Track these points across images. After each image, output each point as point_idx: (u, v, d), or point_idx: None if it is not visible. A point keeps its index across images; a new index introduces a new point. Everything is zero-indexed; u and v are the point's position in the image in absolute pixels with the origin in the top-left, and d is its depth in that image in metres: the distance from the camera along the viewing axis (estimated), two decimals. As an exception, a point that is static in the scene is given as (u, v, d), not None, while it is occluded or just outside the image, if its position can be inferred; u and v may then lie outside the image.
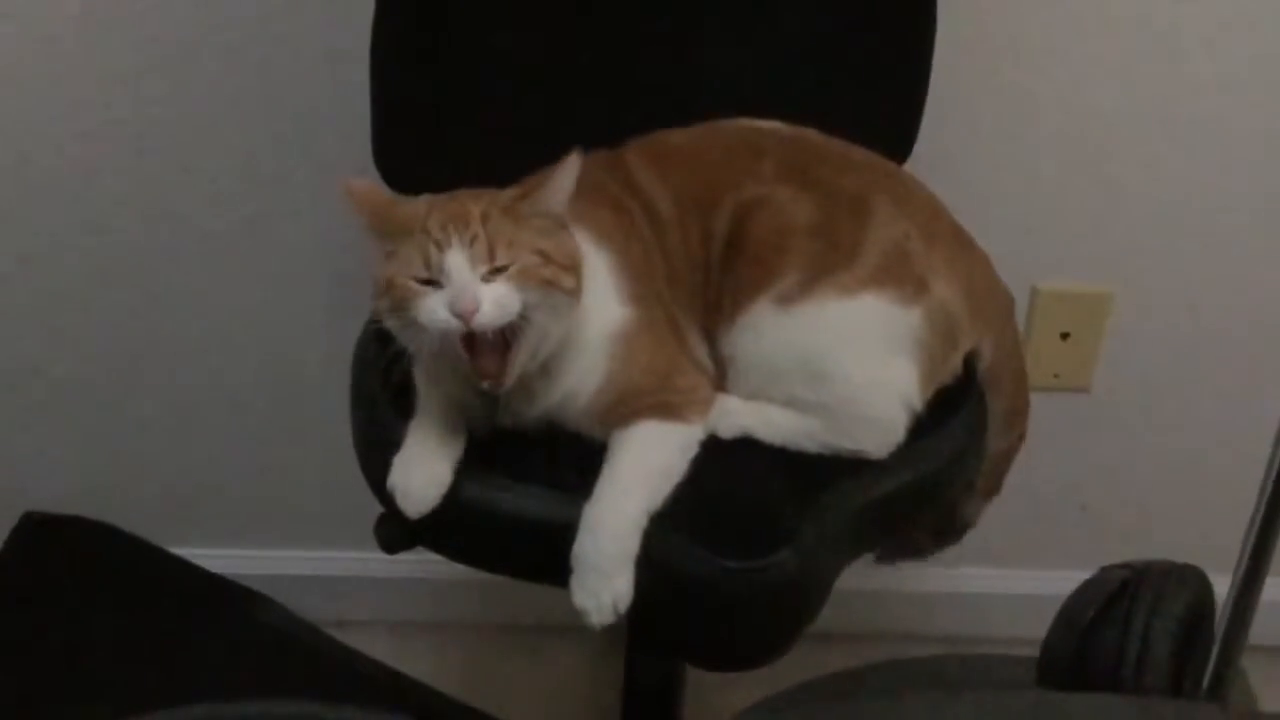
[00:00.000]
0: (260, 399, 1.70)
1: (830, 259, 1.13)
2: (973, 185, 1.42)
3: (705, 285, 1.16)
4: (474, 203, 1.03)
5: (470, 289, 0.99)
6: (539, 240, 1.03)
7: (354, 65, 1.30)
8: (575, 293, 1.05)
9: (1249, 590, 0.95)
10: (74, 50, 1.48)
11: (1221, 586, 1.13)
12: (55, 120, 1.52)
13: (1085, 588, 0.97)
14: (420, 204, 1.05)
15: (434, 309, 1.00)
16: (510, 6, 1.31)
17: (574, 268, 1.05)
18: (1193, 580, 0.97)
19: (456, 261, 0.99)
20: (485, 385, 1.03)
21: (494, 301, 0.99)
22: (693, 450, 1.10)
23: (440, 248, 1.00)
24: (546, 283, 1.02)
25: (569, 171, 1.04)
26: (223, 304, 1.64)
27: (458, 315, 0.99)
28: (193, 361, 1.68)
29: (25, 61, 1.49)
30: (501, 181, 1.11)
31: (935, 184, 1.24)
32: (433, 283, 1.00)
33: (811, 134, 1.22)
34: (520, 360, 1.03)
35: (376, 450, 1.15)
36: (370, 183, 1.08)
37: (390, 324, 1.05)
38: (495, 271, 1.00)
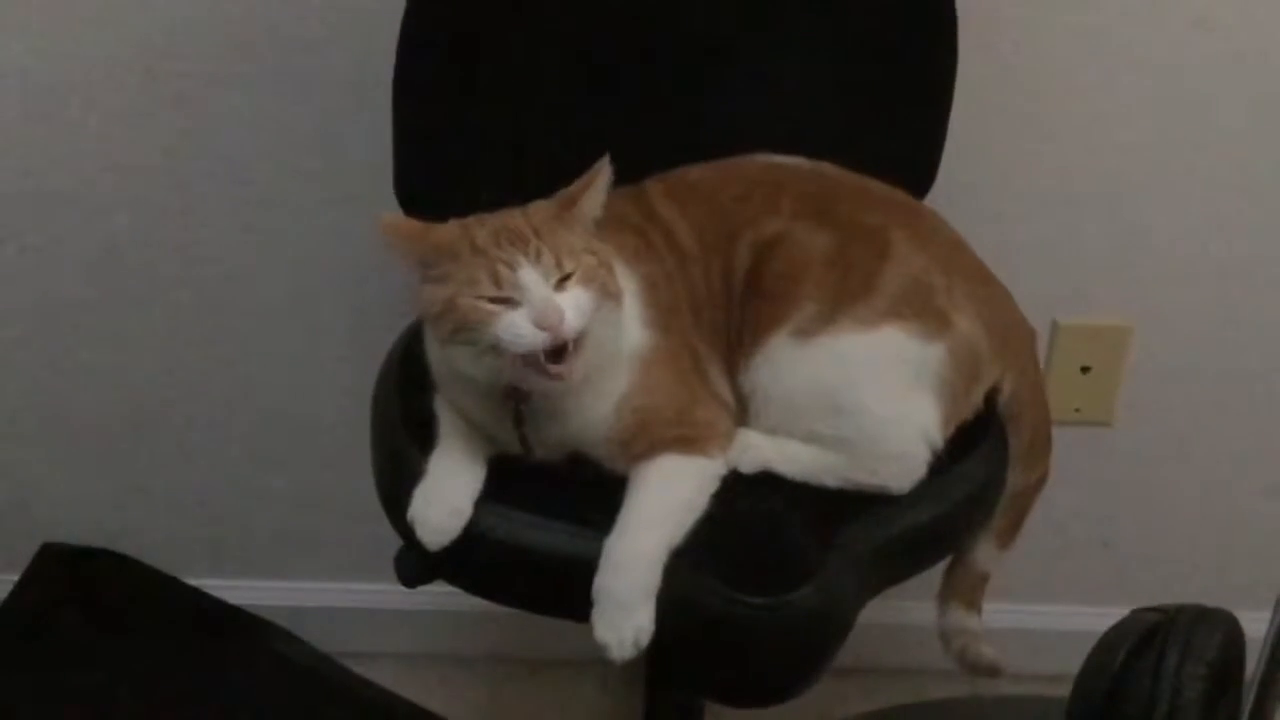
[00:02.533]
0: (279, 431, 1.70)
1: (848, 292, 1.13)
2: (993, 220, 1.42)
3: (726, 321, 1.16)
4: (517, 218, 1.05)
5: (551, 301, 1.00)
6: (590, 243, 1.05)
7: (376, 98, 1.30)
8: (618, 295, 1.07)
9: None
10: (100, 82, 1.49)
11: (1246, 623, 1.12)
12: (81, 154, 1.53)
13: (1115, 631, 0.96)
14: (453, 227, 1.06)
15: (517, 326, 1.00)
16: (531, 42, 1.32)
17: (613, 269, 1.07)
18: (1224, 624, 0.95)
19: (531, 277, 1.00)
20: (556, 385, 1.03)
21: (574, 308, 1.01)
22: (713, 485, 1.10)
23: (511, 265, 1.01)
24: (603, 286, 1.04)
25: (603, 177, 1.06)
26: (242, 336, 1.64)
27: (545, 329, 0.99)
28: (211, 394, 1.68)
29: (51, 94, 1.50)
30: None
31: (956, 219, 1.24)
32: (504, 300, 1.01)
33: (831, 169, 1.23)
34: (586, 358, 1.03)
35: (396, 482, 1.15)
36: (398, 215, 1.09)
37: (454, 350, 1.05)
38: (563, 280, 1.02)
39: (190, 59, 1.48)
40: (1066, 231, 1.58)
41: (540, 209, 1.07)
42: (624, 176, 1.22)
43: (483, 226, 1.05)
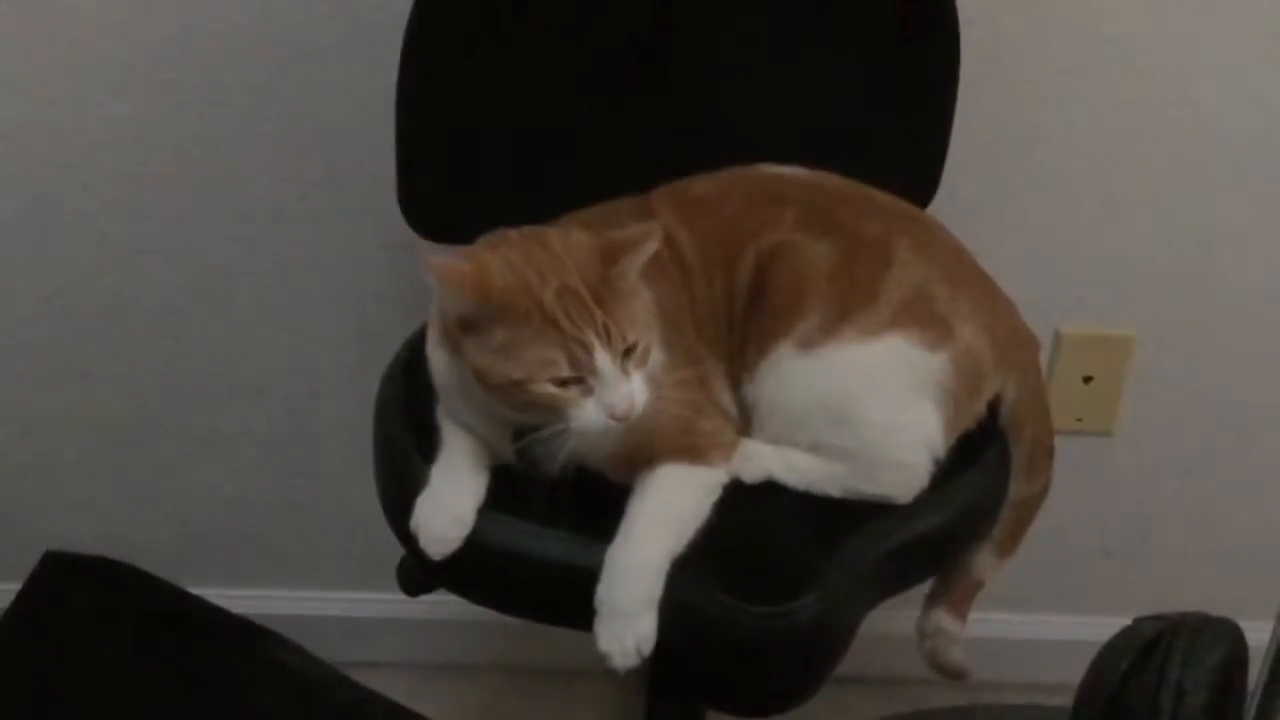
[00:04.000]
0: (282, 440, 1.70)
1: (851, 301, 1.13)
2: (996, 229, 1.43)
3: (729, 333, 1.16)
4: (570, 271, 1.02)
5: (625, 392, 1.01)
6: (643, 312, 1.04)
7: (379, 107, 1.31)
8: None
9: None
10: (103, 91, 1.49)
11: (1248, 633, 1.12)
12: (86, 160, 1.53)
13: (1117, 640, 0.96)
14: (508, 275, 1.02)
15: (590, 416, 1.01)
16: (534, 52, 1.32)
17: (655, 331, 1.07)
18: (1227, 633, 0.95)
19: (604, 360, 1.00)
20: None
21: (641, 395, 1.02)
22: (716, 494, 1.10)
23: (585, 347, 1.00)
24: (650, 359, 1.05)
25: (652, 242, 1.04)
26: (246, 345, 1.64)
27: (617, 419, 1.01)
28: (215, 402, 1.68)
29: (57, 102, 1.50)
30: (523, 223, 1.12)
31: (958, 228, 1.24)
32: (575, 380, 1.01)
33: (833, 179, 1.23)
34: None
35: (399, 491, 1.15)
36: (445, 257, 1.03)
37: (509, 412, 1.05)
38: (626, 353, 1.02)
39: (193, 67, 1.48)
40: (1069, 241, 1.59)
41: (584, 256, 1.03)
42: (628, 186, 1.23)
43: (545, 284, 1.01)
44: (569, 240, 1.05)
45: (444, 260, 1.02)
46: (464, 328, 1.03)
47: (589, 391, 1.01)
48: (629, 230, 1.05)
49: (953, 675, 1.29)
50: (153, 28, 1.46)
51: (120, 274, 1.60)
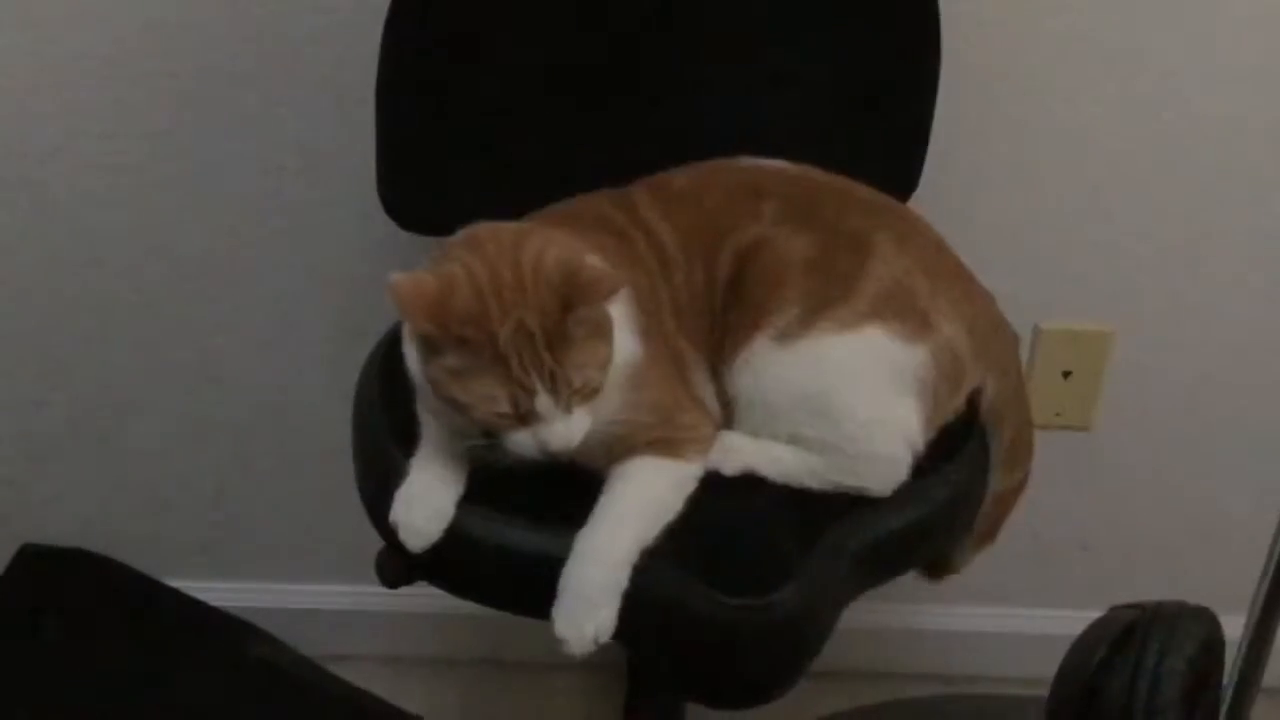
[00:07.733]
0: (260, 432, 1.70)
1: (828, 293, 1.13)
2: (976, 224, 1.43)
3: (710, 326, 1.16)
4: (528, 309, 1.00)
5: (560, 431, 1.02)
6: (596, 353, 1.04)
7: (359, 100, 1.30)
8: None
9: (1263, 632, 0.94)
10: (81, 81, 1.48)
11: (1225, 626, 1.13)
12: (60, 151, 1.52)
13: (1095, 627, 0.97)
14: (470, 301, 1.01)
15: (524, 443, 1.03)
16: (514, 44, 1.32)
17: (612, 334, 1.06)
18: (1204, 621, 0.96)
19: (545, 404, 1.01)
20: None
21: (579, 430, 1.04)
22: (689, 488, 1.10)
23: (528, 390, 1.01)
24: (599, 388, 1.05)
25: (615, 296, 1.04)
26: (224, 337, 1.64)
27: (548, 454, 1.03)
28: (192, 394, 1.67)
29: (33, 91, 1.49)
30: (504, 215, 1.12)
31: (938, 222, 1.25)
32: (518, 416, 1.02)
33: (814, 172, 1.23)
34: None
35: (378, 484, 1.15)
36: (413, 275, 1.02)
37: (444, 410, 1.06)
38: (571, 393, 1.03)
39: (173, 59, 1.47)
40: (1049, 236, 1.59)
41: (547, 292, 1.01)
42: (608, 179, 1.23)
43: (504, 318, 1.00)
44: (541, 261, 1.03)
45: (405, 279, 1.01)
46: (423, 342, 1.04)
47: (527, 423, 1.02)
48: (598, 275, 1.03)
49: None
50: (131, 17, 1.45)
51: (98, 266, 1.59)
